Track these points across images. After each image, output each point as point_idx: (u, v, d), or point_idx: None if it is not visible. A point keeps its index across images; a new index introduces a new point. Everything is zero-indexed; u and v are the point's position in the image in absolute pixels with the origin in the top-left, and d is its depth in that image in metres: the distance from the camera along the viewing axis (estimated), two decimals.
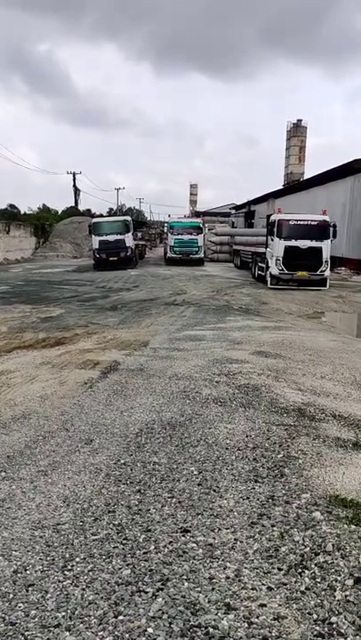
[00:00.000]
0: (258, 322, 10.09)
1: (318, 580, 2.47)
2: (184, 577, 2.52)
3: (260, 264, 19.76)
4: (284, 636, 2.19)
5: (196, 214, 53.80)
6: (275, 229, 17.24)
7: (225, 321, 10.16)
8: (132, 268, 26.71)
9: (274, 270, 17.16)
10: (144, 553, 2.69)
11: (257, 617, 2.29)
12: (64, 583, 2.51)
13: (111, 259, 26.05)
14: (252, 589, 2.43)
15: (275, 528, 2.88)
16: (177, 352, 7.12)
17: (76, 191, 59.76)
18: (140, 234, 40.44)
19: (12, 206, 57.55)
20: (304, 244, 16.78)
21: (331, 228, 16.73)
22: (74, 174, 59.87)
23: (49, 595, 2.44)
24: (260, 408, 4.75)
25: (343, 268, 22.59)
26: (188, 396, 5.09)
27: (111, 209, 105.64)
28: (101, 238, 26.21)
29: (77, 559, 2.66)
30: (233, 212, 54.93)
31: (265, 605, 2.35)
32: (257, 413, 4.61)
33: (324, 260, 16.79)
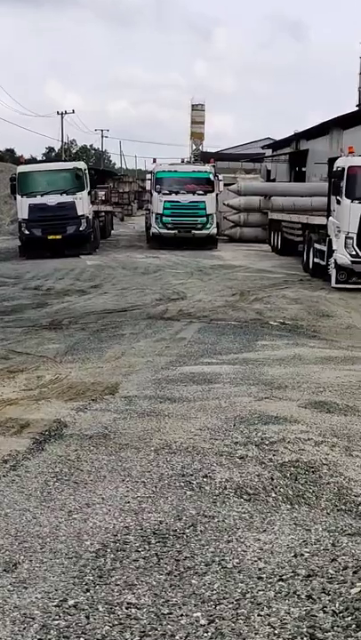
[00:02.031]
0: (314, 349, 10.14)
1: None
2: None
3: (317, 246, 19.94)
4: None
5: (204, 158, 54.29)
6: (343, 184, 17.42)
7: (255, 348, 10.20)
8: (88, 252, 26.91)
9: (342, 257, 17.30)
10: None
11: None
12: None
13: (51, 237, 26.24)
14: None
15: None
16: (169, 404, 7.13)
17: None
18: (102, 193, 40.78)
19: None
20: None
21: None
22: None
23: None
24: (320, 505, 4.76)
25: None
26: (190, 483, 5.09)
27: (51, 149, 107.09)
28: (34, 201, 26.44)
29: None
30: (268, 152, 55.49)
31: None
32: (314, 514, 4.61)
33: None
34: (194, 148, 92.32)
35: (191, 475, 5.23)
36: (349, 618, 3.51)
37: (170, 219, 29.59)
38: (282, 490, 4.97)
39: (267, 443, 5.91)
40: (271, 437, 6.04)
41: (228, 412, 6.81)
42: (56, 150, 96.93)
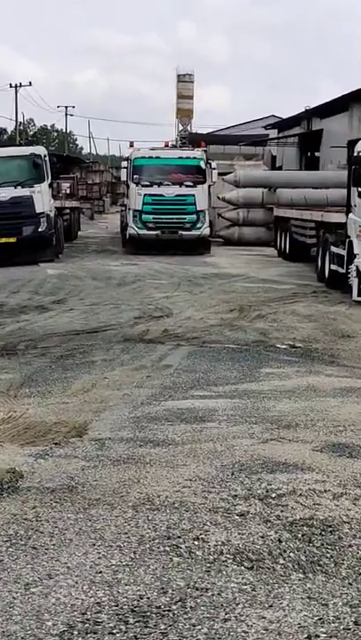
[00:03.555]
0: (332, 378, 10.15)
1: None
2: None
3: (334, 249, 20.03)
4: None
5: (193, 140, 54.54)
6: None
7: (259, 377, 10.21)
8: (49, 259, 26.89)
9: None
10: None
11: None
12: None
13: (4, 241, 26.29)
14: None
15: None
16: (151, 449, 7.12)
17: None
18: (66, 185, 40.84)
19: None
20: None
21: None
22: None
23: None
24: (340, 573, 4.75)
25: None
26: (178, 547, 5.07)
27: (3, 131, 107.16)
28: None
29: None
30: (272, 134, 55.75)
31: None
32: (332, 585, 4.60)
33: None
34: (181, 128, 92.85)
35: (179, 537, 5.21)
36: None
37: (151, 217, 29.68)
38: (292, 555, 4.96)
39: (273, 496, 5.91)
40: (279, 489, 6.03)
41: (225, 458, 6.80)
42: (9, 132, 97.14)
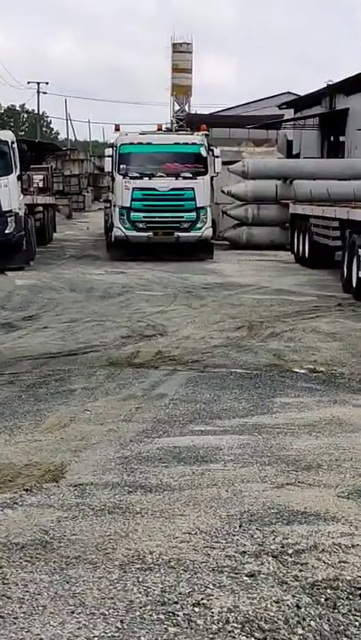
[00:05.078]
0: (360, 409, 10.15)
1: None
2: None
3: None
4: None
5: (191, 123, 54.72)
6: None
7: (272, 408, 10.21)
8: (18, 267, 26.96)
9: None
10: None
11: None
12: None
13: None
14: None
15: None
16: (142, 496, 7.13)
17: None
18: (39, 177, 40.90)
19: None
20: None
21: None
22: None
23: None
24: None
25: None
26: (175, 614, 5.07)
27: None
28: None
29: None
30: (288, 114, 55.94)
31: None
32: None
33: None
34: (177, 108, 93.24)
35: (176, 602, 5.20)
36: None
37: (142, 215, 29.73)
38: (313, 623, 4.95)
39: (290, 552, 5.90)
40: (297, 544, 6.03)
41: (232, 507, 6.80)
42: None
